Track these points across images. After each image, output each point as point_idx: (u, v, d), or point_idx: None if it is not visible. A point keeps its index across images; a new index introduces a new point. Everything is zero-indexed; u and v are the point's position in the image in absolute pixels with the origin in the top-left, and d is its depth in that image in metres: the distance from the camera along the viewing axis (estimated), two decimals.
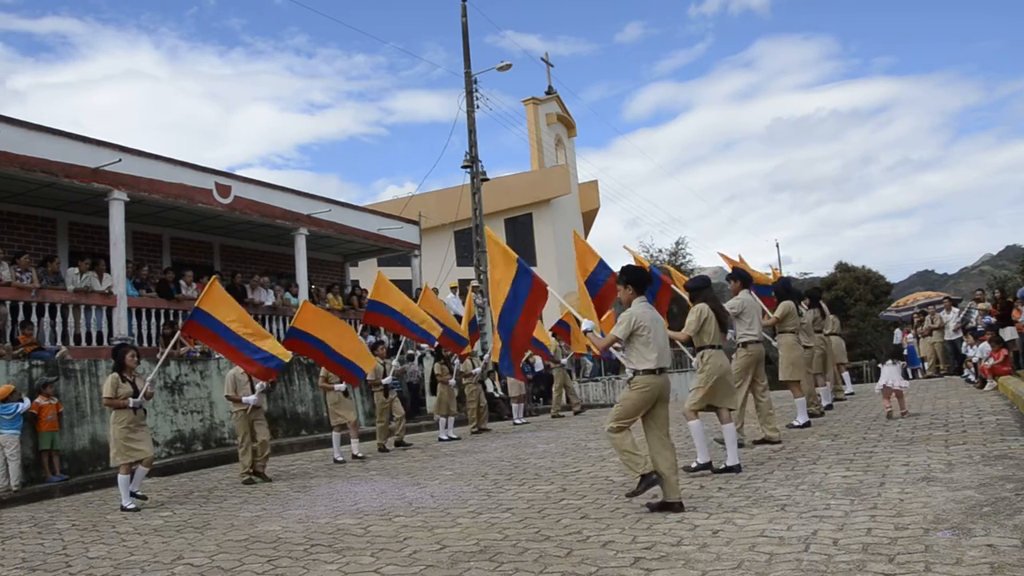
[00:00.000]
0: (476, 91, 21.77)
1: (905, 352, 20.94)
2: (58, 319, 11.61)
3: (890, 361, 10.05)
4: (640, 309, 5.85)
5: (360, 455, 10.76)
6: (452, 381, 12.79)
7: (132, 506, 7.97)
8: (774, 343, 9.93)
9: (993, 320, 13.90)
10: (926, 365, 18.57)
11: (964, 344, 14.93)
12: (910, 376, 17.27)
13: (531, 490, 7.09)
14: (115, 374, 8.25)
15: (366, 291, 19.21)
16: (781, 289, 9.83)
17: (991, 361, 11.98)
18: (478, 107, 21.74)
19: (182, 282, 13.88)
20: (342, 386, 10.69)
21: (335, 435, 10.87)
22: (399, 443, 11.87)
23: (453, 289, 20.16)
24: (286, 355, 9.06)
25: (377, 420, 11.84)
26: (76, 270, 12.22)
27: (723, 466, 6.99)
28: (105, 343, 12.19)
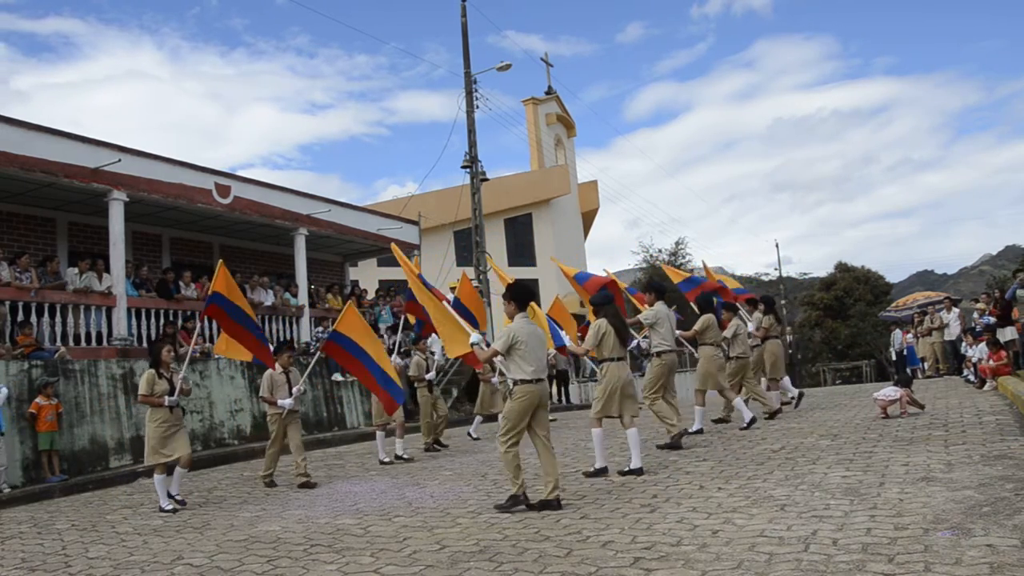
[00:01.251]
0: (476, 91, 21.79)
1: (904, 353, 20.96)
2: (57, 319, 11.60)
3: (892, 386, 10.15)
4: (519, 324, 6.39)
5: (405, 456, 10.21)
6: (495, 379, 12.02)
7: (170, 507, 7.67)
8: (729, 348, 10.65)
9: (992, 320, 13.90)
10: (925, 365, 18.58)
11: (964, 344, 14.94)
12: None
13: (530, 490, 7.08)
14: (151, 370, 7.91)
15: (366, 291, 19.27)
16: (703, 302, 10.28)
17: (991, 363, 11.99)
18: (478, 107, 21.76)
19: (181, 282, 13.87)
20: (432, 375, 10.12)
21: (380, 434, 10.27)
22: (436, 442, 11.35)
23: (452, 289, 20.13)
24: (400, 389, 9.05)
25: (422, 418, 11.35)
26: (76, 270, 12.22)
27: (626, 468, 7.41)
28: (105, 343, 12.19)
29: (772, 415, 10.59)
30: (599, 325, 7.59)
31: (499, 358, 6.56)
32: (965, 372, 14.34)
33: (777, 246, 72.73)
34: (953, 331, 16.85)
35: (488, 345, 6.91)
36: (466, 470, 8.82)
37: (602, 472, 7.46)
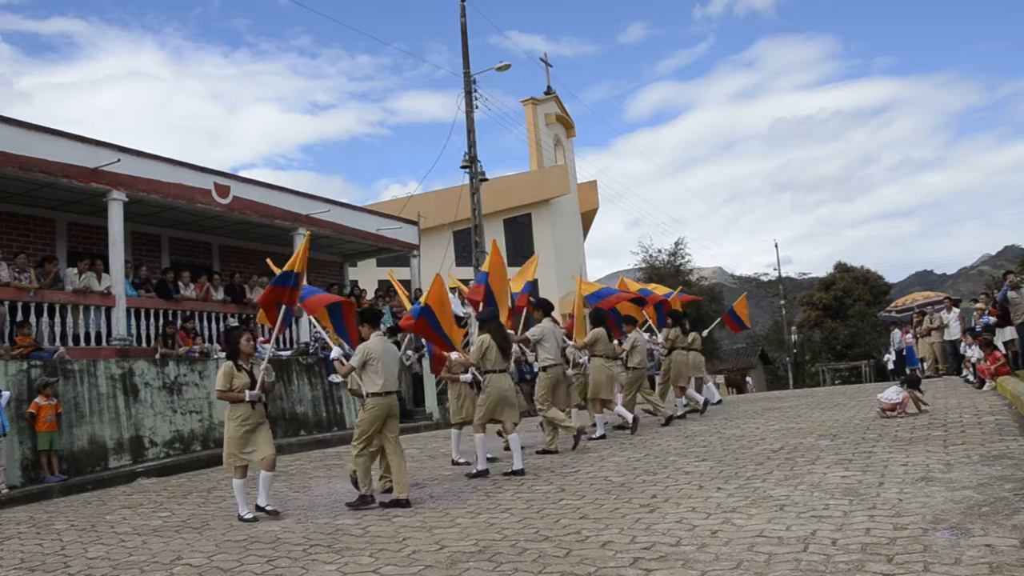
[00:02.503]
0: (475, 91, 21.79)
1: (904, 352, 20.94)
2: (57, 319, 11.60)
3: (896, 386, 10.21)
4: (374, 343, 7.15)
5: (461, 460, 9.37)
6: (571, 371, 11.15)
7: (250, 516, 6.81)
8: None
9: (992, 320, 13.90)
10: (925, 365, 18.58)
11: (963, 344, 14.93)
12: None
13: (530, 490, 7.09)
14: (229, 362, 7.10)
15: (365, 291, 19.26)
16: (595, 316, 10.79)
17: (988, 363, 11.99)
18: (477, 107, 21.76)
19: (180, 282, 13.87)
20: (468, 376, 9.36)
21: (455, 433, 9.51)
22: None
23: (452, 289, 20.13)
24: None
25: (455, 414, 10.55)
26: (75, 270, 12.21)
27: (509, 470, 8.07)
28: (104, 343, 12.18)
29: (667, 421, 11.18)
30: (482, 340, 8.29)
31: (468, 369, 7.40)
32: (964, 372, 14.34)
33: (776, 246, 72.73)
34: (954, 331, 16.85)
35: (345, 361, 7.45)
36: (465, 470, 8.81)
37: (483, 474, 8.13)
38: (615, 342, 11.00)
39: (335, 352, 7.72)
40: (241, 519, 6.83)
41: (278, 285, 7.81)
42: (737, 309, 15.80)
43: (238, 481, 6.96)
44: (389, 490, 7.26)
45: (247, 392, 6.98)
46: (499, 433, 9.91)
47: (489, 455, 8.66)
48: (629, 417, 10.55)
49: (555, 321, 10.22)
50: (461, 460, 9.28)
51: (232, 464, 6.98)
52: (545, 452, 9.36)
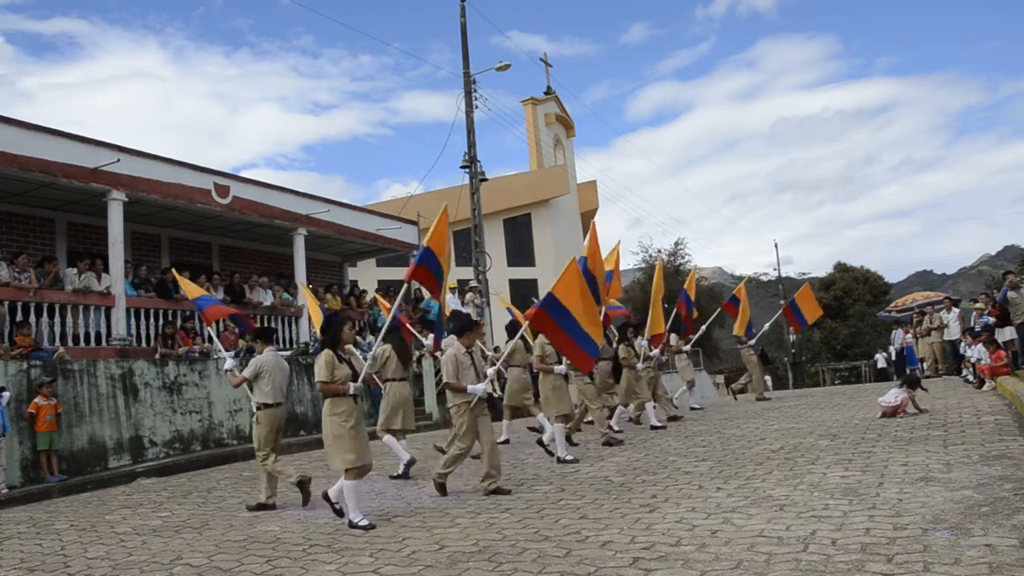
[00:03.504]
0: (475, 91, 21.80)
1: (904, 351, 20.94)
2: (56, 319, 11.59)
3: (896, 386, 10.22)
4: (266, 356, 7.53)
5: (569, 458, 8.73)
6: (640, 365, 11.31)
7: (365, 522, 6.14)
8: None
9: (992, 320, 13.89)
10: (924, 365, 18.58)
11: (963, 344, 14.93)
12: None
13: (530, 490, 7.10)
14: (329, 352, 6.52)
15: (365, 291, 19.26)
16: (509, 327, 11.58)
17: (990, 362, 11.98)
18: (477, 107, 21.77)
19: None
20: (562, 368, 8.97)
21: (559, 428, 8.87)
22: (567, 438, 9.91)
23: (452, 290, 20.15)
24: (600, 339, 8.15)
25: (592, 406, 10.12)
26: (74, 270, 12.21)
27: (395, 474, 8.54)
28: (104, 343, 12.18)
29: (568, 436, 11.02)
30: (385, 350, 8.76)
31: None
32: (964, 372, 14.34)
33: (776, 246, 72.76)
34: (953, 331, 16.84)
35: (240, 371, 7.77)
36: (464, 470, 8.81)
37: (410, 465, 8.57)
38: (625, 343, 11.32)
39: (229, 363, 8.13)
40: (356, 525, 6.10)
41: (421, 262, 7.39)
42: (801, 301, 14.32)
43: (350, 483, 6.26)
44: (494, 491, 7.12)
45: (350, 384, 6.43)
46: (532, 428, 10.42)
47: (475, 455, 8.48)
48: (547, 425, 10.68)
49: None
50: (568, 457, 8.69)
51: (351, 465, 6.26)
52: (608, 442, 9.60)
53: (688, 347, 14.27)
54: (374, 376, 9.02)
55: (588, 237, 9.94)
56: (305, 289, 13.54)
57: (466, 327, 7.63)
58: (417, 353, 16.27)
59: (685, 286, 14.26)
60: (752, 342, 14.64)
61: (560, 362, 8.96)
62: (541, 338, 8.90)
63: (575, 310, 7.87)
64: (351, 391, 6.40)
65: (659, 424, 11.21)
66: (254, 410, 7.55)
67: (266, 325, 8.70)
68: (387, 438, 8.70)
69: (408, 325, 10.90)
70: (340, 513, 6.44)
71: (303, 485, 7.35)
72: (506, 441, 10.85)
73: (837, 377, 39.13)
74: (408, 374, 8.93)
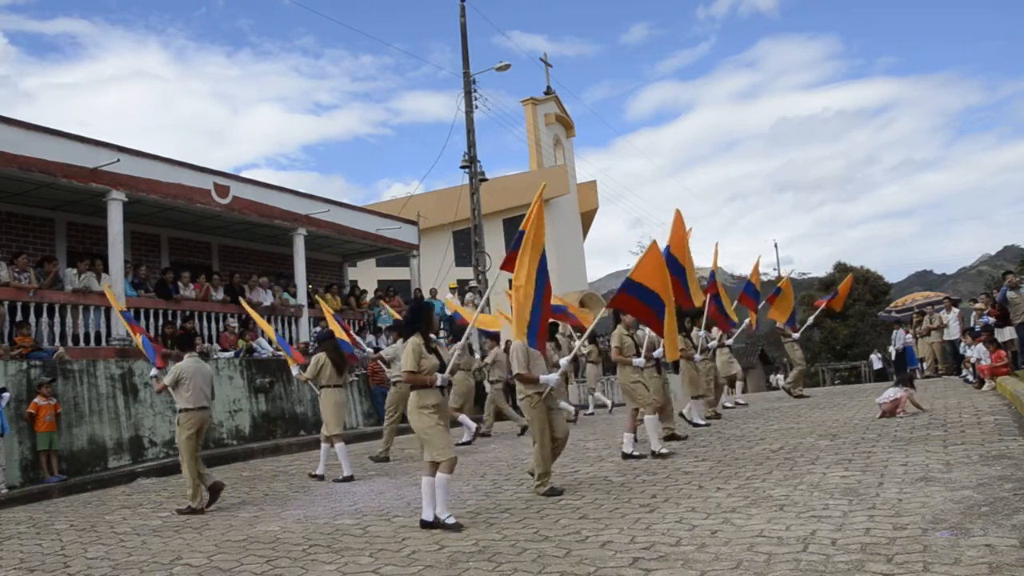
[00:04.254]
0: (475, 91, 21.80)
1: (904, 351, 20.94)
2: (56, 319, 11.59)
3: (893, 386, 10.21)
4: (187, 363, 7.87)
5: (664, 451, 8.36)
6: (698, 356, 11.02)
7: (452, 520, 5.85)
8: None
9: (992, 320, 13.90)
10: (924, 365, 18.58)
11: (963, 344, 14.93)
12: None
13: (529, 490, 7.09)
14: (418, 339, 6.11)
15: (365, 291, 19.26)
16: (456, 331, 12.24)
17: (990, 362, 11.98)
18: (476, 107, 21.77)
19: (180, 282, 13.86)
20: (640, 361, 8.60)
21: (650, 420, 8.44)
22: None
23: (452, 290, 20.17)
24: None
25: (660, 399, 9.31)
26: (74, 270, 12.21)
27: (340, 477, 8.92)
28: (103, 343, 12.18)
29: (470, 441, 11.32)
30: (318, 358, 9.25)
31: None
32: (964, 372, 14.34)
33: (776, 246, 73.03)
34: (953, 331, 16.84)
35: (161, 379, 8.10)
36: (464, 471, 8.82)
37: (350, 479, 8.89)
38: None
39: (153, 371, 8.54)
40: (446, 526, 5.78)
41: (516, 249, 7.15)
42: (844, 293, 15.05)
43: (443, 476, 5.88)
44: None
45: (437, 376, 6.06)
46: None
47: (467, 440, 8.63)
48: (472, 426, 11.37)
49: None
50: (664, 451, 8.35)
51: (443, 458, 5.88)
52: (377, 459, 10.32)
53: (730, 340, 13.37)
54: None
55: (673, 225, 9.26)
56: (319, 299, 14.43)
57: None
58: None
59: (750, 277, 13.69)
60: (797, 335, 14.32)
61: (639, 355, 8.58)
62: (619, 329, 8.59)
63: (665, 296, 7.54)
64: (438, 382, 6.04)
65: (702, 423, 10.70)
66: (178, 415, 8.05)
67: (187, 330, 9.22)
68: (339, 446, 9.15)
69: (350, 333, 11.34)
70: (201, 511, 7.42)
71: (215, 489, 7.79)
72: (469, 442, 11.27)
73: (837, 377, 39.10)
74: (343, 381, 9.44)
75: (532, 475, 7.07)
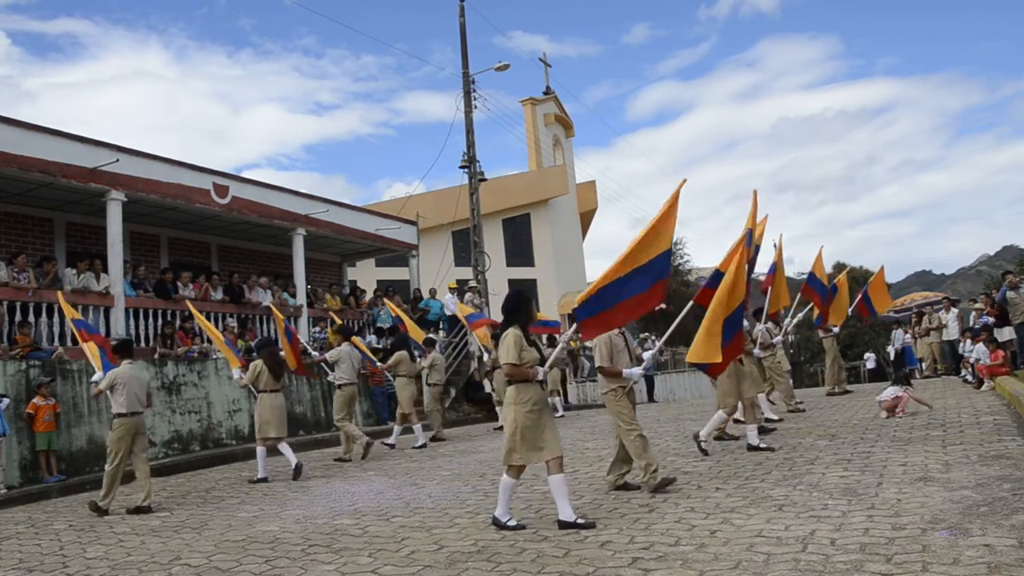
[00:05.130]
0: (475, 91, 21.79)
1: (903, 351, 20.96)
2: (55, 319, 11.58)
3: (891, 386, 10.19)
4: (122, 369, 8.13)
5: (763, 445, 8.09)
6: (757, 351, 10.34)
7: (514, 522, 5.60)
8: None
9: (991, 320, 13.90)
10: (923, 365, 18.59)
11: (962, 344, 14.93)
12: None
13: (528, 490, 7.09)
14: (518, 331, 5.74)
15: (364, 291, 19.26)
16: (398, 341, 12.58)
17: (989, 361, 11.98)
18: (476, 107, 21.76)
19: (179, 282, 13.86)
20: (759, 352, 8.73)
21: (770, 404, 8.33)
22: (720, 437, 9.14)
23: (452, 290, 20.15)
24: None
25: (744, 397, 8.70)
26: (73, 270, 12.20)
27: (255, 477, 9.38)
28: None
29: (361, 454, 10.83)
30: (256, 365, 9.74)
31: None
32: (963, 372, 14.34)
33: (775, 246, 72.33)
34: (952, 332, 16.85)
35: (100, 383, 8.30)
36: (464, 470, 8.82)
37: (263, 480, 9.33)
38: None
39: (96, 376, 8.67)
40: (501, 525, 5.58)
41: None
42: (873, 292, 13.88)
43: (509, 480, 5.61)
44: (622, 487, 6.68)
45: (538, 369, 5.71)
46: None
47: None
48: (420, 441, 11.67)
49: (353, 344, 11.74)
50: (762, 445, 8.08)
51: (513, 461, 5.58)
52: (341, 460, 10.65)
53: (791, 337, 12.81)
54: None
55: (751, 207, 8.80)
56: (390, 304, 15.46)
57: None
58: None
59: (812, 268, 12.52)
60: (836, 330, 13.81)
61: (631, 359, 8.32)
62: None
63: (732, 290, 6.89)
64: (539, 376, 5.69)
65: (775, 418, 10.27)
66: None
67: (124, 338, 9.45)
68: (260, 451, 9.55)
69: (296, 339, 11.68)
70: (149, 509, 7.78)
71: (140, 508, 7.95)
72: (392, 446, 11.72)
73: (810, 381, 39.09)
74: (280, 386, 9.82)
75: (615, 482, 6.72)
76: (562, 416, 14.92)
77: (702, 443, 8.16)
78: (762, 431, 8.67)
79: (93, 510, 7.87)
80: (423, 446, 11.51)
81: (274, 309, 13.15)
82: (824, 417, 10.43)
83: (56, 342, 11.44)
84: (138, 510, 7.79)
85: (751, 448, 8.05)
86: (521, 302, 5.95)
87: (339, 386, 10.98)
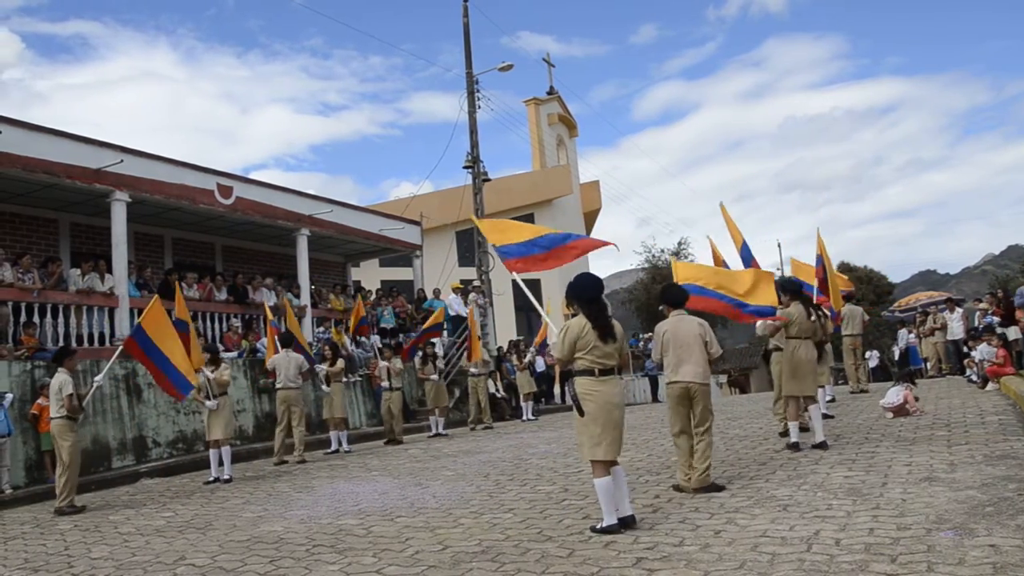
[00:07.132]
0: (479, 92, 21.84)
1: (907, 351, 20.92)
2: (60, 320, 11.61)
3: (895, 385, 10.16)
4: (64, 376, 8.43)
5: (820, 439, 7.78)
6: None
7: (611, 521, 5.19)
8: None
9: (996, 320, 13.87)
10: (928, 365, 18.54)
11: (966, 344, 14.89)
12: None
13: (533, 490, 7.09)
14: (583, 320, 5.38)
15: (368, 291, 19.27)
16: (284, 338, 12.34)
17: (996, 358, 11.93)
18: (480, 108, 21.79)
19: (183, 283, 13.87)
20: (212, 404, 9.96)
21: (814, 409, 7.86)
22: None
23: (455, 290, 20.18)
24: None
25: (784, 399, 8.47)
26: (78, 271, 12.23)
27: (213, 479, 9.73)
28: (107, 344, 12.19)
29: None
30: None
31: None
32: (968, 372, 14.30)
33: (779, 246, 72.87)
34: (956, 331, 16.81)
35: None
36: (468, 470, 8.82)
37: (220, 480, 9.71)
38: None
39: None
40: (599, 530, 5.19)
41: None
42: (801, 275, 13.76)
43: (604, 480, 5.21)
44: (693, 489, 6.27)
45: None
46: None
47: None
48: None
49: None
50: (816, 442, 7.83)
51: (594, 457, 5.25)
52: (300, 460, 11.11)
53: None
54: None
55: (726, 222, 9.28)
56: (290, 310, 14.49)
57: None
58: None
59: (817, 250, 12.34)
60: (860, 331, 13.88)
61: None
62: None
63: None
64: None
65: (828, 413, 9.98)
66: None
67: (65, 347, 9.67)
68: (225, 450, 9.94)
69: (276, 339, 11.94)
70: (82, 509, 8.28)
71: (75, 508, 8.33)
72: (335, 451, 12.06)
73: (840, 378, 39.02)
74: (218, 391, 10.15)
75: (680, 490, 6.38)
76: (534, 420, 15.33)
77: (826, 443, 7.71)
78: (803, 429, 8.24)
79: (61, 513, 8.15)
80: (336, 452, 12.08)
81: (266, 308, 13.22)
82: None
83: (61, 343, 11.46)
84: (73, 508, 8.26)
85: (791, 447, 7.76)
86: (593, 292, 5.48)
87: (279, 389, 11.41)
